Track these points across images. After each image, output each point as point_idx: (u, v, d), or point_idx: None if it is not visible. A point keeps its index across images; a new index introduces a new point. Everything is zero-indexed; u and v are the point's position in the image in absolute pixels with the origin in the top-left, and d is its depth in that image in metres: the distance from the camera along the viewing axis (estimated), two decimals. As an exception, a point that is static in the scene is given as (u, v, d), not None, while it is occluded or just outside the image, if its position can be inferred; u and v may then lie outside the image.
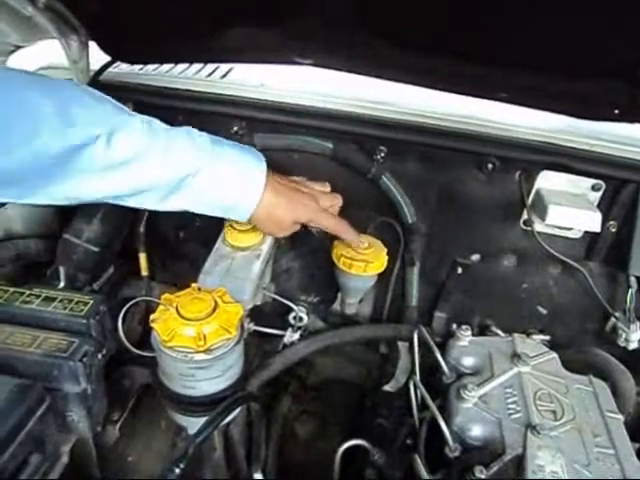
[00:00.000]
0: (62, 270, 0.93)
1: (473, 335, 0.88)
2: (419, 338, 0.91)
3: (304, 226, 0.91)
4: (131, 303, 0.75)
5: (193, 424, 0.75)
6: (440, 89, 0.86)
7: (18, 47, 1.01)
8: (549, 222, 0.95)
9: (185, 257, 1.16)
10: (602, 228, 0.97)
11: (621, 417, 0.77)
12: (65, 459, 0.68)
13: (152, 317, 0.71)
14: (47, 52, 1.08)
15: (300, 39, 0.86)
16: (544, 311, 1.12)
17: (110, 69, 1.04)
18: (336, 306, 1.14)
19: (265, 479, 0.90)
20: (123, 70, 1.12)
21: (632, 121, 0.82)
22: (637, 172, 0.95)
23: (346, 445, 0.88)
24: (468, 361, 0.85)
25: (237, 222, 0.93)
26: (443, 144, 0.98)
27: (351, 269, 0.95)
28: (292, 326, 0.98)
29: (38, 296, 0.76)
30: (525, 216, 1.03)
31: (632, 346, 1.01)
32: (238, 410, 0.78)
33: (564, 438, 0.71)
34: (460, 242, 1.10)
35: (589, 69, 0.74)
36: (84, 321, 0.72)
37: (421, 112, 1.01)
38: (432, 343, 0.88)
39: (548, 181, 1.00)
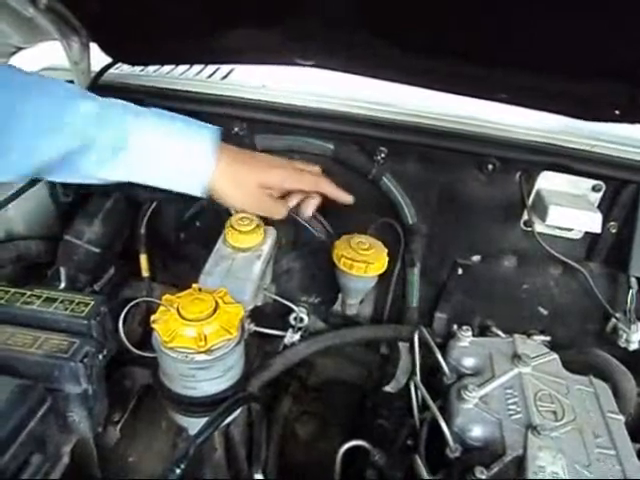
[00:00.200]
0: (63, 271, 0.93)
1: (474, 336, 0.88)
2: (420, 339, 0.91)
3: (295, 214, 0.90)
4: (132, 304, 0.75)
5: (194, 425, 0.75)
6: (440, 90, 0.86)
7: (19, 48, 1.01)
8: (549, 223, 0.95)
9: (186, 258, 1.16)
10: (602, 229, 0.97)
11: (622, 418, 0.77)
12: (66, 459, 0.68)
13: (153, 318, 0.71)
14: (48, 53, 1.08)
15: (301, 40, 0.86)
16: (545, 312, 1.12)
17: (111, 70, 1.04)
18: (337, 307, 1.14)
19: (266, 479, 0.90)
20: (124, 71, 1.13)
21: (632, 122, 0.82)
22: (637, 173, 0.95)
23: (347, 446, 0.88)
24: (469, 362, 0.85)
25: (238, 223, 0.93)
26: (443, 145, 0.98)
27: (352, 270, 0.95)
28: (293, 327, 0.98)
29: (39, 297, 0.76)
30: (525, 217, 1.03)
31: (633, 347, 1.01)
32: (239, 411, 0.78)
33: (565, 439, 0.71)
34: (461, 243, 1.10)
35: (589, 70, 0.74)
36: (85, 322, 0.72)
37: (422, 113, 1.01)
38: (433, 344, 0.88)
39: (548, 182, 1.00)
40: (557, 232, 1.03)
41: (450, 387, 0.81)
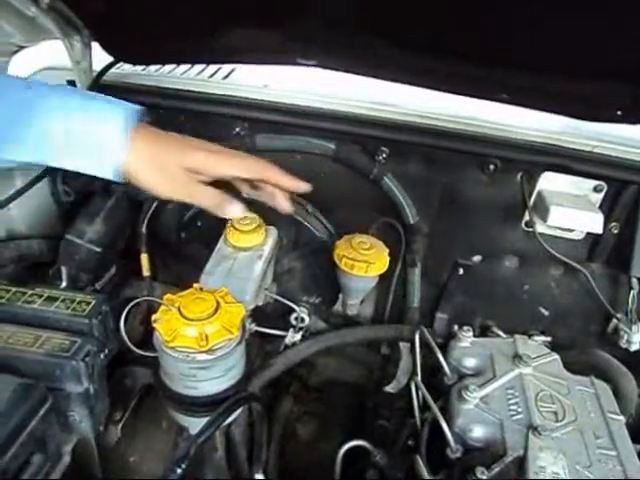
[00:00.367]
0: (64, 270, 0.93)
1: (474, 336, 0.88)
2: (421, 339, 0.91)
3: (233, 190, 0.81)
4: (133, 303, 0.75)
5: (195, 424, 0.75)
6: (442, 90, 0.86)
7: (21, 47, 1.01)
8: (551, 223, 0.95)
9: (186, 258, 1.16)
10: (604, 230, 0.97)
11: (623, 418, 0.77)
12: (67, 459, 0.68)
13: (154, 317, 0.70)
14: (49, 53, 1.08)
15: (302, 40, 0.86)
16: (545, 312, 1.12)
17: (112, 70, 1.04)
18: (337, 307, 1.14)
19: (266, 479, 0.90)
20: (125, 71, 1.12)
21: (634, 122, 0.82)
22: (639, 173, 0.95)
23: (347, 446, 0.88)
24: (470, 362, 0.85)
25: (239, 222, 0.93)
26: (445, 145, 0.98)
27: (353, 270, 0.95)
28: (294, 327, 0.98)
29: (40, 296, 0.76)
30: (527, 217, 1.03)
31: (634, 347, 1.01)
32: (240, 411, 0.78)
33: (566, 439, 0.71)
34: (462, 243, 1.10)
35: (591, 70, 0.74)
36: (86, 321, 0.72)
37: (423, 113, 1.01)
38: (434, 344, 0.88)
39: (550, 182, 1.00)
40: (558, 233, 1.03)
41: (451, 387, 0.81)
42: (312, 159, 1.06)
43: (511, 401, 0.77)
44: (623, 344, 1.02)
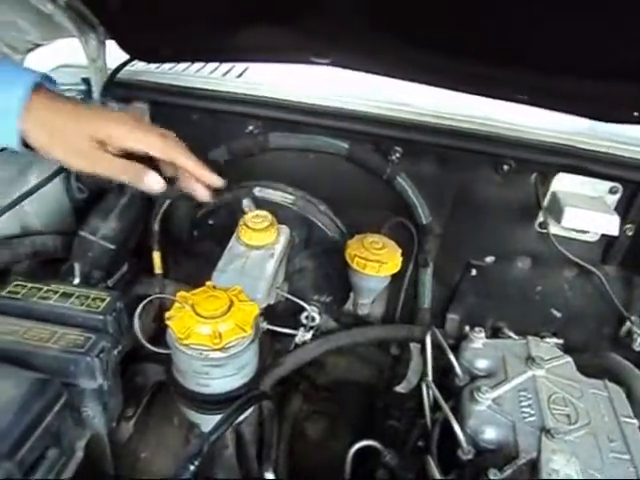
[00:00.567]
0: (77, 267, 0.93)
1: (486, 337, 0.87)
2: (432, 340, 0.91)
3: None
4: (147, 300, 0.74)
5: (207, 422, 0.75)
6: (457, 90, 0.86)
7: (37, 45, 1.02)
8: (565, 225, 0.95)
9: (198, 255, 1.17)
10: (619, 231, 0.96)
11: (636, 422, 0.76)
12: (80, 455, 0.68)
13: (168, 315, 0.71)
14: (65, 50, 1.09)
15: (317, 39, 0.86)
16: (558, 314, 1.11)
17: (127, 67, 1.05)
18: (348, 306, 1.14)
19: (277, 479, 0.90)
20: (139, 69, 1.13)
21: (651, 124, 0.81)
22: None
23: (357, 445, 0.88)
24: (482, 363, 0.85)
25: (252, 221, 0.93)
26: (459, 145, 0.98)
27: (365, 269, 0.95)
28: (304, 326, 0.98)
29: (56, 292, 0.76)
30: (541, 218, 1.03)
31: (647, 350, 1.00)
32: (251, 409, 0.78)
33: (579, 443, 0.70)
34: (474, 244, 1.10)
35: (607, 71, 0.73)
36: (101, 317, 0.73)
37: (437, 113, 1.01)
38: (445, 345, 0.87)
39: (564, 183, 1.00)
40: (573, 234, 1.02)
41: (462, 389, 0.80)
42: (325, 158, 1.06)
43: (523, 403, 0.76)
44: (636, 347, 1.01)
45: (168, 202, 1.09)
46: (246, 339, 0.70)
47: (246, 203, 1.01)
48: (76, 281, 0.92)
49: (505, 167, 0.99)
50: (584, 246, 1.04)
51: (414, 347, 1.07)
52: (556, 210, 0.97)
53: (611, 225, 0.93)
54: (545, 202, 1.01)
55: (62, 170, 0.97)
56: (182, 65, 1.18)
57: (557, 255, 1.03)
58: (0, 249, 0.89)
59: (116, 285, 1.03)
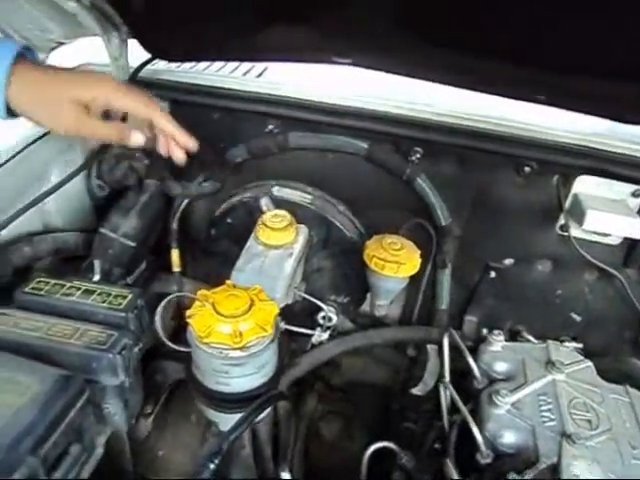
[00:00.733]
0: (97, 264, 0.94)
1: (504, 340, 0.86)
2: (449, 341, 0.90)
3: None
4: (169, 298, 0.75)
5: (225, 420, 0.75)
6: (480, 91, 0.85)
7: (60, 44, 1.03)
8: (587, 228, 0.94)
9: (215, 254, 1.17)
10: (642, 235, 0.95)
11: (659, 429, 0.75)
12: (100, 451, 0.69)
13: (188, 313, 0.71)
14: (87, 49, 1.10)
15: (338, 39, 0.86)
16: (578, 318, 1.10)
17: (147, 67, 1.05)
18: (365, 307, 1.13)
19: (293, 479, 0.90)
20: (160, 68, 1.13)
21: (675, 126, 0.80)
22: None
23: (374, 447, 0.88)
24: (500, 366, 0.84)
25: (271, 220, 0.93)
26: (480, 146, 0.97)
27: (383, 270, 0.94)
28: (321, 326, 0.98)
29: (78, 289, 0.77)
30: (562, 221, 1.01)
31: (669, 356, 0.99)
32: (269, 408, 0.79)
33: (600, 448, 0.70)
34: (493, 246, 1.09)
35: (631, 71, 0.72)
36: (123, 314, 0.73)
37: (458, 114, 1.01)
38: (464, 347, 0.87)
39: (586, 186, 0.99)
40: (594, 237, 1.01)
41: (481, 391, 0.80)
42: (344, 158, 1.06)
43: (543, 407, 0.75)
44: (658, 352, 1.00)
45: (187, 201, 1.09)
46: (266, 338, 0.71)
47: (264, 202, 1.01)
48: (96, 278, 0.92)
49: (527, 169, 0.98)
50: (605, 249, 1.03)
51: (431, 349, 1.07)
52: (578, 213, 0.96)
53: (634, 228, 0.92)
54: (566, 204, 1.00)
55: (83, 168, 0.99)
56: (202, 64, 1.18)
57: (578, 258, 1.01)
58: (23, 246, 0.90)
59: (135, 282, 1.03)
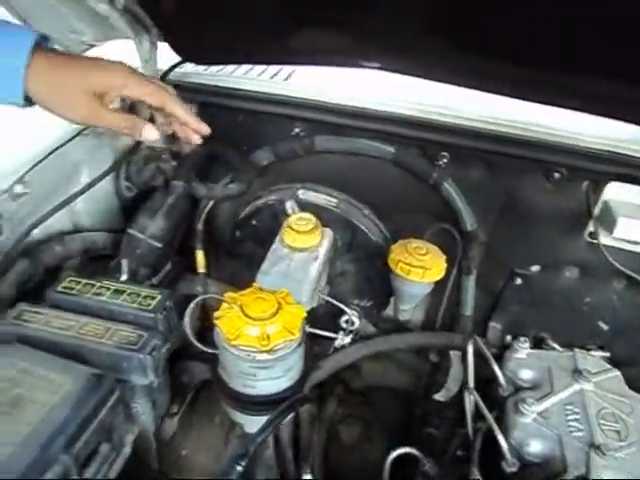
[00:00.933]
0: (125, 263, 0.95)
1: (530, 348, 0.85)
2: (474, 348, 0.89)
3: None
4: (198, 299, 0.76)
5: (250, 422, 0.76)
6: (510, 96, 0.84)
7: (91, 46, 1.04)
8: (618, 235, 0.92)
9: (240, 256, 1.18)
10: (673, 243, 0.94)
11: (689, 440, 0.73)
12: (128, 450, 0.69)
13: (216, 314, 0.72)
14: (117, 51, 1.11)
15: (366, 43, 0.86)
16: (605, 327, 1.08)
17: (176, 69, 1.06)
18: (388, 311, 1.13)
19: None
20: (188, 70, 1.14)
21: None
22: None
23: (396, 453, 0.87)
24: (526, 374, 0.83)
25: (296, 223, 0.93)
26: (509, 151, 0.96)
27: (409, 275, 0.94)
28: (344, 329, 0.97)
29: (108, 289, 0.78)
30: (591, 228, 1.00)
31: (699, 367, 0.97)
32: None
33: (630, 460, 0.68)
34: (520, 252, 1.08)
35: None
36: (152, 315, 0.74)
37: (486, 118, 1.00)
38: (489, 354, 0.86)
39: (617, 192, 0.97)
40: (623, 245, 0.99)
41: (506, 399, 0.79)
42: (370, 162, 1.06)
43: (570, 417, 0.74)
44: (688, 362, 0.98)
45: (212, 202, 1.10)
46: (294, 342, 0.71)
47: (290, 205, 1.01)
48: (123, 277, 0.94)
49: (556, 175, 0.97)
50: (635, 257, 1.01)
51: (454, 355, 1.06)
52: (608, 220, 0.95)
53: (665, 236, 0.91)
54: (596, 211, 0.98)
55: (112, 170, 1.00)
56: (229, 67, 1.19)
57: (606, 265, 1.00)
58: (54, 245, 0.92)
59: (160, 283, 1.04)
